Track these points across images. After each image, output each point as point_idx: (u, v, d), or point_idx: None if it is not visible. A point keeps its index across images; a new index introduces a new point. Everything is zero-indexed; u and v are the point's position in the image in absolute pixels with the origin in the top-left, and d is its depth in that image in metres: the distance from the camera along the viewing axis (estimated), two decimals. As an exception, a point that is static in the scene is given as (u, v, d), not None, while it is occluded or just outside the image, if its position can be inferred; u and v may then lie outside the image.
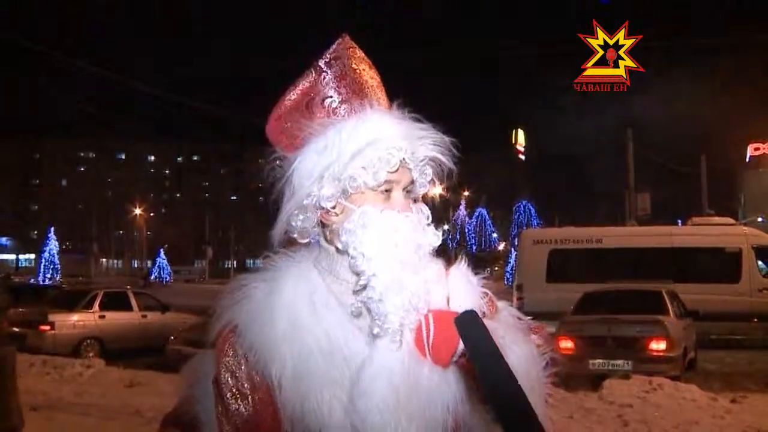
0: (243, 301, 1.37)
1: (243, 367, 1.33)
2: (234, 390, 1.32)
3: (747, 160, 53.06)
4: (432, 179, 1.45)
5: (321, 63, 1.46)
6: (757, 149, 51.75)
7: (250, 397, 1.32)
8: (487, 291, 1.43)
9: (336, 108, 1.42)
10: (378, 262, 1.29)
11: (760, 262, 16.70)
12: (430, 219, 1.41)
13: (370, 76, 1.47)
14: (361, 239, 1.31)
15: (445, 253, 1.50)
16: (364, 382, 1.24)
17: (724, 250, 16.70)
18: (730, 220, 19.91)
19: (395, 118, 1.41)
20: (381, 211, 1.34)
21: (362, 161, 1.35)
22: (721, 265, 16.60)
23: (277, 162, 1.44)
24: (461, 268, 1.42)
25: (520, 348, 1.30)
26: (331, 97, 1.43)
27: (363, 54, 1.49)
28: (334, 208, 1.37)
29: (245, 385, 1.32)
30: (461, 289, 1.37)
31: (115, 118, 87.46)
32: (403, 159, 1.37)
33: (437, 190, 1.51)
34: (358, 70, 1.45)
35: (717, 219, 19.68)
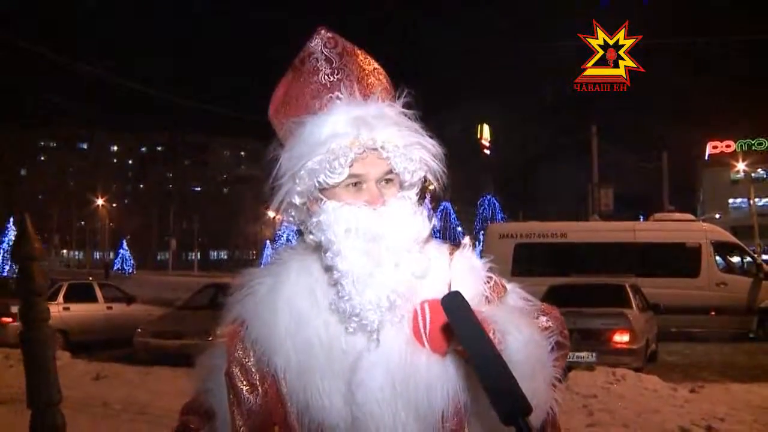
0: (249, 296, 1.41)
1: (252, 360, 1.38)
2: (245, 382, 1.38)
3: (706, 158, 54.25)
4: (423, 164, 1.41)
5: (297, 60, 1.46)
6: (715, 147, 52.96)
7: (260, 388, 1.37)
8: (492, 275, 1.43)
9: (314, 102, 1.41)
10: (344, 258, 1.30)
11: (718, 258, 17.12)
12: (417, 206, 1.39)
13: (356, 64, 1.45)
14: (328, 236, 1.32)
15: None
16: (362, 372, 1.28)
17: (684, 246, 17.04)
18: (691, 217, 20.35)
19: (363, 108, 1.38)
20: (342, 206, 1.33)
21: (320, 157, 1.34)
22: (682, 260, 16.95)
23: (275, 155, 1.43)
24: (465, 254, 1.44)
25: (521, 333, 1.28)
26: (311, 91, 1.42)
27: (345, 42, 1.47)
28: (305, 204, 1.38)
29: (255, 377, 1.37)
30: (464, 274, 1.39)
31: (77, 106, 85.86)
32: (376, 149, 1.35)
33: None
34: (337, 62, 1.44)
35: (678, 215, 20.06)
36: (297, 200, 1.39)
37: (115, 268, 65.40)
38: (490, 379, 1.07)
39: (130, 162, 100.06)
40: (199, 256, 79.68)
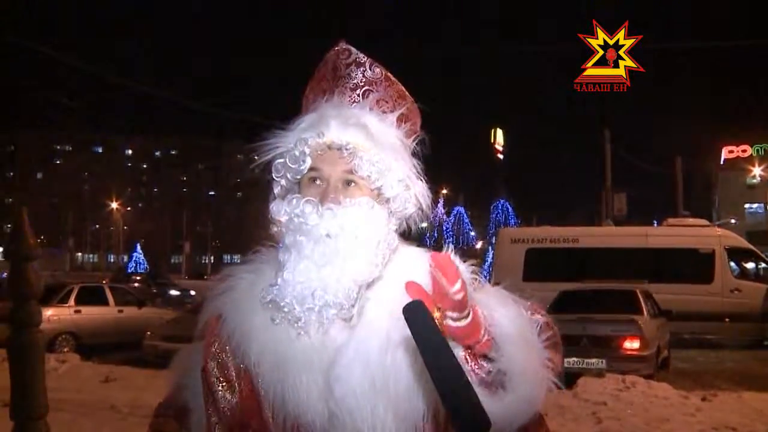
0: (228, 291, 1.40)
1: (229, 356, 1.36)
2: (221, 378, 1.35)
3: (721, 162, 53.80)
4: (392, 172, 1.38)
5: (315, 69, 1.51)
6: (731, 152, 52.49)
7: (236, 385, 1.34)
8: (477, 277, 1.40)
9: (312, 105, 1.45)
10: (284, 248, 1.32)
11: (732, 263, 16.97)
12: (378, 213, 1.35)
13: (361, 74, 1.47)
14: (279, 226, 1.36)
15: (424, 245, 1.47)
16: (340, 367, 1.26)
17: (697, 251, 16.91)
18: (704, 222, 20.15)
19: (340, 110, 1.39)
20: (291, 198, 1.35)
21: (287, 149, 1.39)
22: (695, 265, 16.81)
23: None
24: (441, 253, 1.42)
25: (508, 309, 1.30)
26: (314, 96, 1.47)
27: (359, 54, 1.49)
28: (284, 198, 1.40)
29: (231, 373, 1.35)
30: None
31: (92, 110, 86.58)
32: (339, 149, 1.36)
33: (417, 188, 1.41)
34: (342, 71, 1.47)
35: (691, 220, 19.92)
36: (276, 191, 1.43)
37: (129, 271, 65.76)
38: (448, 391, 1.02)
39: (145, 166, 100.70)
40: (212, 260, 80.00)
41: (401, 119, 1.44)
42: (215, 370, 1.36)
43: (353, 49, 1.49)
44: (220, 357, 1.36)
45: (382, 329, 1.28)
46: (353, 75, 1.46)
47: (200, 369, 1.39)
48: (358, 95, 1.44)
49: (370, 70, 1.47)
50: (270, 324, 1.32)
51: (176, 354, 1.54)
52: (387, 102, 1.46)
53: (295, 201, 1.34)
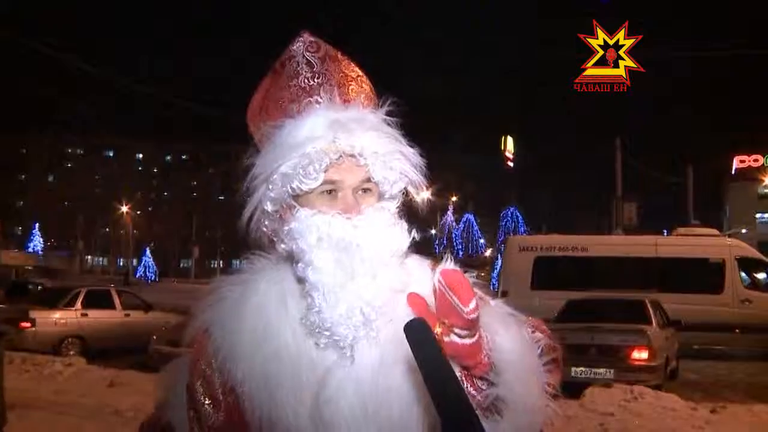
0: (217, 303, 1.35)
1: (215, 373, 1.30)
2: (206, 396, 1.31)
3: (733, 172, 53.50)
4: (404, 174, 1.34)
5: (277, 64, 1.41)
6: (742, 162, 52.19)
7: (222, 403, 1.29)
8: (477, 291, 1.33)
9: (292, 106, 1.36)
10: (315, 268, 1.23)
11: (743, 274, 16.79)
12: (397, 218, 1.31)
13: (339, 69, 1.39)
14: (299, 245, 1.25)
15: (431, 255, 1.42)
16: (331, 388, 1.20)
17: (707, 261, 16.78)
18: (715, 231, 20.00)
19: (342, 112, 1.31)
20: (314, 214, 1.26)
21: (294, 161, 1.28)
22: (705, 275, 16.67)
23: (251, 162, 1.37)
24: (447, 267, 1.37)
25: (509, 332, 1.22)
26: (290, 95, 1.37)
27: (328, 47, 1.42)
28: (277, 211, 1.32)
29: (217, 391, 1.30)
30: None
31: (104, 115, 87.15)
32: (353, 156, 1.28)
33: (424, 193, 1.39)
34: (318, 66, 1.38)
35: (701, 230, 19.76)
36: (269, 207, 1.32)
37: (138, 275, 66.02)
38: (448, 412, 0.97)
39: (155, 170, 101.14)
40: (221, 264, 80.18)
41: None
42: (200, 387, 1.31)
43: (321, 42, 1.41)
44: (205, 374, 1.31)
45: (376, 348, 1.23)
46: (332, 71, 1.38)
47: (186, 386, 1.34)
48: (347, 93, 1.36)
49: (346, 63, 1.41)
50: (258, 341, 1.26)
51: (165, 366, 1.49)
52: (370, 98, 1.40)
53: (323, 217, 1.26)
